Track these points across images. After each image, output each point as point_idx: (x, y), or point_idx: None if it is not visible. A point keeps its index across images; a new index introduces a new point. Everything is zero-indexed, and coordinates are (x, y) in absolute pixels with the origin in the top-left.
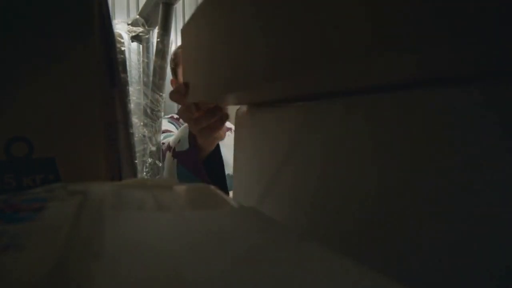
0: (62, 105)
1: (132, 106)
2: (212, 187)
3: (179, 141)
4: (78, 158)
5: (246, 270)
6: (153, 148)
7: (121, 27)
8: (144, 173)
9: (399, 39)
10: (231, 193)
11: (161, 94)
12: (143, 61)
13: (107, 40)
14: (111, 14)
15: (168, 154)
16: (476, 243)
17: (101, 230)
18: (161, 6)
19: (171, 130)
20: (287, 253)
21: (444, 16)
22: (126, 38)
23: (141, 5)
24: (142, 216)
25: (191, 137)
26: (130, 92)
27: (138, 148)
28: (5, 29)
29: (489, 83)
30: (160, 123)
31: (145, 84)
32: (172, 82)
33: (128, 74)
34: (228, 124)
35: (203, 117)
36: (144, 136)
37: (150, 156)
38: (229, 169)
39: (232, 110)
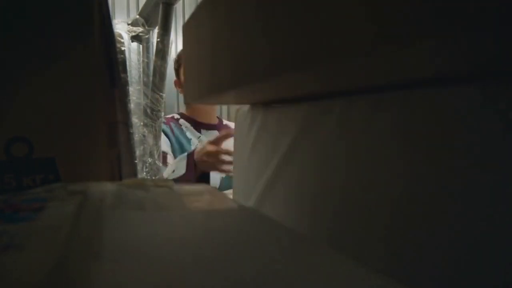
0: (62, 105)
1: (132, 106)
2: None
3: (173, 171)
4: (78, 158)
5: (247, 270)
6: (153, 148)
7: (121, 27)
8: (144, 173)
9: (399, 37)
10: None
11: (161, 94)
12: (143, 61)
13: (107, 40)
14: (111, 14)
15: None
16: (477, 243)
17: (101, 230)
18: (161, 6)
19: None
20: (287, 253)
21: (444, 16)
22: (126, 38)
23: (141, 5)
24: (142, 216)
25: (190, 164)
26: (130, 92)
27: (138, 148)
28: (5, 29)
29: (489, 83)
30: (160, 123)
31: (145, 84)
32: (175, 83)
33: (128, 74)
34: (231, 124)
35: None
36: (144, 136)
37: (150, 156)
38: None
39: (232, 110)
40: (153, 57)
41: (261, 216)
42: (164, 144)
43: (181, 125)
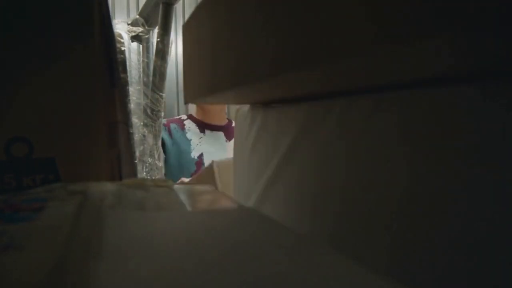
0: (62, 105)
1: (132, 106)
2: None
3: None
4: (78, 158)
5: (246, 270)
6: (153, 148)
7: (121, 27)
8: (144, 173)
9: (399, 37)
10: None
11: (161, 94)
12: (143, 61)
13: (107, 40)
14: (111, 14)
15: None
16: (478, 243)
17: (101, 230)
18: (161, 6)
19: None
20: (287, 254)
21: (444, 16)
22: (126, 38)
23: (141, 5)
24: (142, 216)
25: None
26: (130, 92)
27: (138, 148)
28: (5, 29)
29: (489, 83)
30: (160, 123)
31: (145, 84)
32: None
33: (128, 74)
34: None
35: None
36: (144, 136)
37: (150, 156)
38: None
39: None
40: (153, 57)
41: (261, 216)
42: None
43: (184, 125)
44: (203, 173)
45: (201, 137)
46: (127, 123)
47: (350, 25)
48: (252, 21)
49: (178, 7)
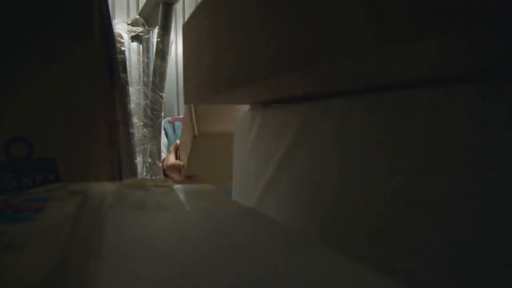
0: (62, 105)
1: (132, 106)
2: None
3: None
4: (78, 158)
5: (246, 270)
6: (153, 148)
7: (121, 27)
8: (144, 173)
9: (399, 36)
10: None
11: (161, 94)
12: (143, 61)
13: (107, 40)
14: (111, 14)
15: None
16: (477, 243)
17: (101, 230)
18: (161, 6)
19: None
20: (287, 253)
21: (444, 16)
22: (126, 38)
23: (141, 5)
24: (142, 216)
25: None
26: (130, 92)
27: (138, 148)
28: (5, 29)
29: (489, 83)
30: (160, 123)
31: (145, 84)
32: None
33: (128, 74)
34: None
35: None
36: (144, 136)
37: (150, 156)
38: None
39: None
40: (153, 57)
41: (261, 216)
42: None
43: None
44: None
45: None
46: (127, 123)
47: (350, 25)
48: (252, 21)
49: (178, 7)
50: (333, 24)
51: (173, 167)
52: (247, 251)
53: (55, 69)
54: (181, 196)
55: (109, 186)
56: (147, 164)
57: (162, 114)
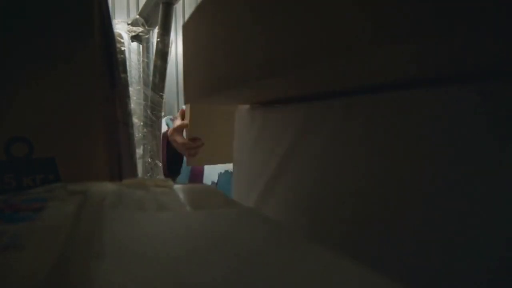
0: (62, 105)
1: (132, 106)
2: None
3: None
4: (78, 158)
5: (247, 271)
6: (153, 148)
7: (121, 27)
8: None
9: (399, 36)
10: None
11: (161, 94)
12: (143, 61)
13: (107, 40)
14: (111, 14)
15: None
16: (474, 242)
17: (101, 230)
18: (161, 6)
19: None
20: (288, 254)
21: (444, 16)
22: (126, 38)
23: (141, 5)
24: (142, 216)
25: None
26: (130, 92)
27: (138, 148)
28: (5, 29)
29: (489, 83)
30: (160, 123)
31: (145, 84)
32: None
33: (128, 74)
34: None
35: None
36: (144, 136)
37: (150, 156)
38: (228, 166)
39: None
40: (153, 57)
41: (261, 216)
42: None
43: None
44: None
45: None
46: (127, 123)
47: (350, 25)
48: (250, 22)
49: (178, 7)
50: (332, 24)
51: (178, 129)
52: (247, 251)
53: (55, 69)
54: (181, 196)
55: (109, 186)
56: (147, 164)
57: (162, 114)
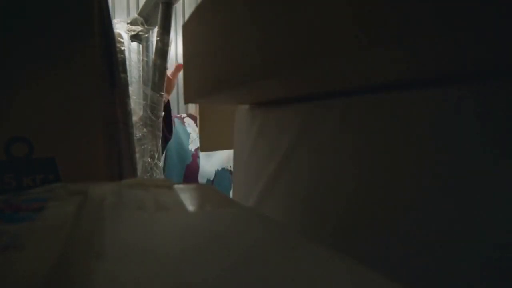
0: (62, 105)
1: (132, 106)
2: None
3: None
4: (78, 158)
5: (246, 271)
6: (153, 148)
7: (121, 27)
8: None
9: (399, 36)
10: (231, 193)
11: (161, 93)
12: (142, 60)
13: (107, 40)
14: (111, 14)
15: None
16: (474, 242)
17: (102, 230)
18: (160, 5)
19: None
20: (287, 254)
21: (444, 16)
22: (125, 37)
23: (141, 5)
24: (142, 216)
25: None
26: (130, 92)
27: (138, 148)
28: (5, 29)
29: (489, 83)
30: (160, 123)
31: (145, 83)
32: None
33: (128, 74)
34: None
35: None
36: (144, 136)
37: (150, 156)
38: (225, 163)
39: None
40: (153, 56)
41: (261, 216)
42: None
43: (184, 122)
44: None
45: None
46: (127, 123)
47: (349, 25)
48: (251, 22)
49: (178, 7)
50: (332, 24)
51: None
52: (246, 251)
53: (55, 69)
54: (181, 196)
55: (109, 186)
56: (147, 164)
57: (162, 114)
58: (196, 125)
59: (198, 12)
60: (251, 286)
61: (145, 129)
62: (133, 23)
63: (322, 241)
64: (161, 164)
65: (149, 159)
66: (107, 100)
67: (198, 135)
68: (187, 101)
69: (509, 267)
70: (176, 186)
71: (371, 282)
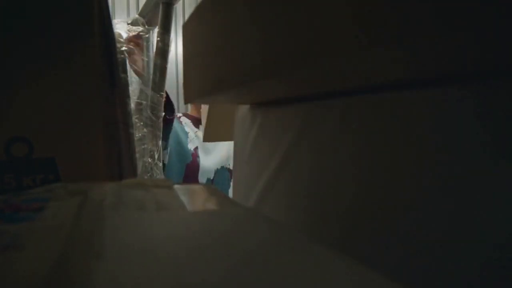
0: (62, 105)
1: (132, 106)
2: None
3: None
4: (78, 158)
5: (247, 271)
6: (153, 148)
7: (121, 27)
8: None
9: (399, 37)
10: (231, 193)
11: (161, 93)
12: (142, 60)
13: (107, 40)
14: (111, 14)
15: None
16: (473, 242)
17: (102, 230)
18: (161, 6)
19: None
20: (288, 254)
21: (444, 16)
22: (126, 38)
23: (141, 5)
24: (142, 216)
25: None
26: (130, 92)
27: (138, 148)
28: (5, 29)
29: (489, 83)
30: (160, 123)
31: (145, 83)
32: None
33: (128, 74)
34: None
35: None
36: (144, 136)
37: (150, 156)
38: (224, 162)
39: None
40: (153, 56)
41: (261, 216)
42: None
43: (181, 121)
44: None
45: (196, 131)
46: (127, 123)
47: (349, 25)
48: (250, 22)
49: (178, 7)
50: (332, 24)
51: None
52: (247, 251)
53: (55, 69)
54: (181, 196)
55: (109, 186)
56: (147, 164)
57: (162, 114)
58: (193, 124)
59: (198, 12)
60: (252, 286)
61: (145, 129)
62: (133, 23)
63: (322, 241)
64: (161, 164)
65: (149, 159)
66: (107, 100)
67: (196, 134)
68: (187, 101)
69: (509, 267)
70: (176, 186)
71: (371, 282)
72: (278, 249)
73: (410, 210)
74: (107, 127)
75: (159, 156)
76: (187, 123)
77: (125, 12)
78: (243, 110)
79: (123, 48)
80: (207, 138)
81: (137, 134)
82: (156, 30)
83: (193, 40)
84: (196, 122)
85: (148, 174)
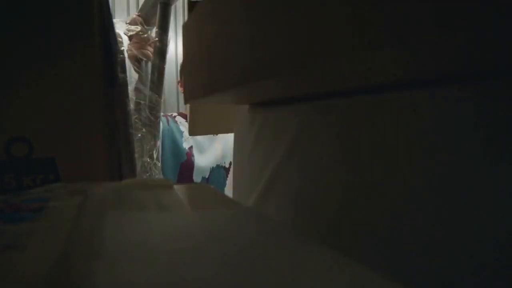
0: (62, 105)
1: (132, 106)
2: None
3: None
4: (78, 158)
5: (246, 270)
6: (153, 148)
7: (120, 27)
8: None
9: (399, 37)
10: (227, 191)
11: (159, 93)
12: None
13: (107, 40)
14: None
15: None
16: (473, 242)
17: (102, 230)
18: (159, 6)
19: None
20: (287, 254)
21: (444, 16)
22: (125, 38)
23: (141, 5)
24: (142, 216)
25: None
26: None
27: (138, 148)
28: (5, 29)
29: (489, 83)
30: (159, 123)
31: (144, 83)
32: (180, 84)
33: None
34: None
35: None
36: (143, 136)
37: (149, 157)
38: (219, 160)
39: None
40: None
41: (261, 216)
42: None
43: (176, 121)
44: None
45: None
46: (127, 123)
47: (349, 24)
48: (249, 22)
49: (178, 7)
50: (332, 24)
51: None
52: (246, 251)
53: (55, 69)
54: (181, 196)
55: (109, 186)
56: (147, 164)
57: (161, 114)
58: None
59: (198, 12)
60: (251, 286)
61: (144, 129)
62: (132, 23)
63: (322, 241)
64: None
65: (148, 159)
66: (107, 100)
67: None
68: (187, 101)
69: (509, 267)
70: (176, 186)
71: (371, 282)
72: (278, 248)
73: (410, 210)
74: (107, 127)
75: (158, 156)
76: (182, 122)
77: (125, 12)
78: (243, 110)
79: (123, 48)
80: (192, 132)
81: (137, 134)
82: (154, 30)
83: (193, 40)
84: None
85: (147, 174)
